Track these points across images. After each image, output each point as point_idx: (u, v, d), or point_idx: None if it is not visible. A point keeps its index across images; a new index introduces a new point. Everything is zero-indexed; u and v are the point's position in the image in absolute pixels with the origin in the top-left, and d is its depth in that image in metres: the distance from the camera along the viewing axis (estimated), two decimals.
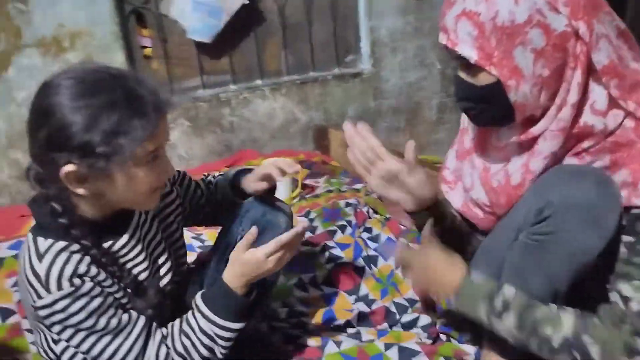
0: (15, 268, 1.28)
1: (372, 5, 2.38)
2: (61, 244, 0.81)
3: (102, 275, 0.84)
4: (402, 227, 1.64)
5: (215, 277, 1.02)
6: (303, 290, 1.37)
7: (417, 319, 1.29)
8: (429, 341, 1.21)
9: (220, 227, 1.18)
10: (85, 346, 0.83)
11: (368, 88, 2.48)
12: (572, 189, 0.86)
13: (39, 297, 0.79)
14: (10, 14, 1.85)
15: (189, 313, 0.92)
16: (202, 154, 2.24)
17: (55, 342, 0.84)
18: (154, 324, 0.89)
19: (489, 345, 1.05)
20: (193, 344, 0.90)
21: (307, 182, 1.97)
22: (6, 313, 1.22)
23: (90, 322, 0.81)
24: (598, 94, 0.89)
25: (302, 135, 2.39)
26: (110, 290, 0.84)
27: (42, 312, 0.79)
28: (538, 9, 0.83)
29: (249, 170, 1.14)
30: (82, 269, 0.81)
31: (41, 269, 0.79)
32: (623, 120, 0.90)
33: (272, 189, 1.12)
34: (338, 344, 1.18)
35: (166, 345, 0.89)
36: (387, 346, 1.16)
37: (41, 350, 0.88)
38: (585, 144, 0.91)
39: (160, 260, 0.96)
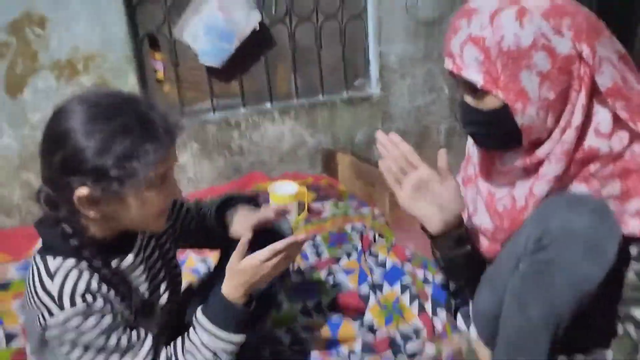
0: (22, 290, 1.29)
1: (382, 31, 2.41)
2: (71, 261, 0.82)
3: (112, 294, 0.85)
4: (408, 252, 1.63)
5: None
6: (307, 316, 1.37)
7: (422, 348, 1.28)
8: None
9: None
10: None
11: (377, 112, 2.49)
12: (570, 217, 0.86)
13: (51, 314, 0.79)
14: (28, 38, 1.90)
15: (190, 330, 0.93)
16: (211, 176, 2.25)
17: None
18: (160, 343, 0.90)
19: None
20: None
21: (314, 205, 1.98)
22: (11, 337, 1.23)
23: (101, 340, 0.81)
24: (602, 117, 0.90)
25: (311, 159, 2.41)
26: (120, 308, 0.86)
27: (54, 331, 0.80)
28: (543, 32, 0.84)
29: (239, 200, 1.13)
30: (94, 286, 0.82)
31: (53, 287, 0.80)
32: (630, 144, 0.90)
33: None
34: None
35: None
36: None
37: None
38: (592, 168, 0.91)
39: (159, 279, 0.98)
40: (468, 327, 1.29)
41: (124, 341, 0.83)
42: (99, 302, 0.81)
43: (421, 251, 1.62)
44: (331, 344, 1.27)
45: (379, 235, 1.74)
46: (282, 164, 2.36)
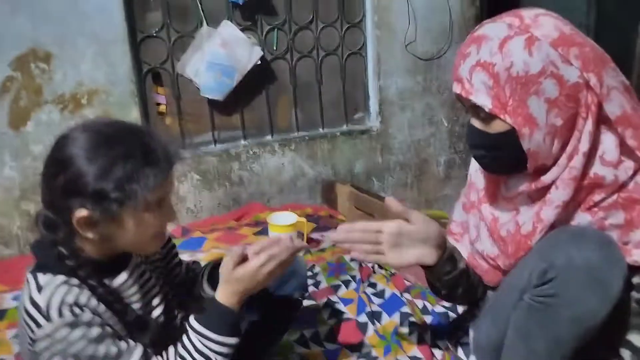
0: (17, 319, 1.28)
1: (381, 66, 2.46)
2: (61, 277, 0.84)
3: (103, 308, 0.85)
4: (407, 282, 1.62)
5: None
6: (304, 347, 1.34)
7: None
8: None
9: None
10: None
11: (376, 144, 2.51)
12: (575, 251, 0.86)
13: (39, 326, 0.80)
14: (33, 72, 1.95)
15: (184, 336, 0.93)
16: (210, 206, 2.26)
17: None
18: (149, 352, 0.89)
19: None
20: None
21: (313, 236, 1.97)
22: None
23: (90, 351, 0.81)
24: (608, 145, 0.90)
25: (310, 190, 2.41)
26: (111, 322, 0.86)
27: (43, 344, 0.80)
28: (551, 60, 0.86)
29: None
30: (82, 300, 0.83)
31: (42, 299, 0.81)
32: (635, 175, 0.90)
33: None
34: None
35: None
36: None
37: None
38: (596, 196, 0.91)
39: (152, 295, 0.98)
40: (468, 358, 1.26)
41: (112, 350, 0.83)
42: (87, 314, 0.82)
43: (420, 282, 1.61)
44: None
45: (379, 266, 1.73)
46: (281, 194, 2.37)
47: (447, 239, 1.06)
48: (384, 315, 1.46)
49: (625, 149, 0.90)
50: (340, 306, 1.51)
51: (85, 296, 0.84)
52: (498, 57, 0.87)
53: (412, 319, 1.43)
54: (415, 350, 1.33)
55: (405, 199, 2.56)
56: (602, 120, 0.89)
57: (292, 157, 2.37)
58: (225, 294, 0.93)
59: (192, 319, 0.93)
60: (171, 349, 0.92)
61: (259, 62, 2.20)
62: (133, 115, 2.08)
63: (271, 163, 2.33)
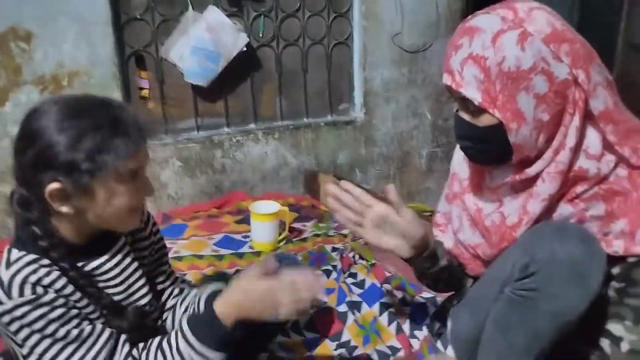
0: None
1: (367, 57, 2.45)
2: (32, 256, 0.84)
3: (75, 294, 0.85)
4: (387, 273, 1.63)
5: None
6: (284, 335, 1.35)
7: None
8: None
9: None
10: (48, 356, 0.83)
11: (360, 136, 2.52)
12: (557, 246, 0.88)
13: (0, 303, 0.81)
14: (13, 52, 1.90)
15: (172, 332, 0.92)
16: (192, 193, 2.24)
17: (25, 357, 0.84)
18: (122, 339, 0.89)
19: None
20: None
21: (295, 225, 1.97)
22: None
23: (50, 330, 0.81)
24: (592, 139, 0.92)
25: (293, 179, 2.41)
26: (84, 309, 0.86)
27: (4, 319, 0.81)
28: (543, 57, 0.86)
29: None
30: (46, 280, 0.82)
31: (6, 275, 0.82)
32: (615, 168, 0.92)
33: None
34: None
35: (134, 359, 0.88)
36: None
37: None
38: (579, 188, 0.93)
39: (135, 287, 0.97)
40: (445, 349, 1.28)
41: (74, 333, 0.83)
42: (50, 295, 0.82)
43: (401, 273, 1.63)
44: None
45: (359, 256, 1.74)
46: (264, 183, 2.36)
47: (429, 242, 1.06)
48: (364, 305, 1.47)
49: (606, 143, 0.92)
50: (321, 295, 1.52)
51: (52, 277, 0.83)
52: (490, 51, 0.87)
53: (391, 309, 1.45)
54: (393, 340, 1.35)
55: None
56: (587, 115, 0.91)
57: (276, 145, 2.36)
58: (226, 302, 0.90)
59: (184, 318, 0.92)
60: (156, 339, 0.91)
61: (245, 49, 2.18)
62: (114, 98, 2.04)
63: (254, 151, 2.32)
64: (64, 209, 0.83)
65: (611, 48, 2.76)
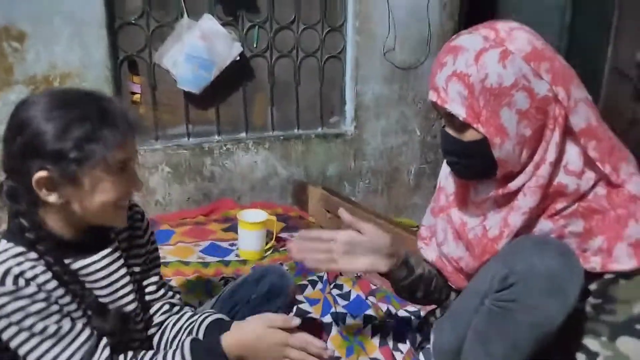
0: None
1: (359, 72, 2.48)
2: (19, 249, 0.84)
3: (58, 290, 0.85)
4: (372, 285, 1.63)
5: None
6: None
7: None
8: None
9: None
10: (23, 350, 0.82)
11: (349, 149, 2.53)
12: (535, 259, 0.89)
13: None
14: (5, 51, 1.89)
15: (171, 350, 0.92)
16: (180, 200, 2.23)
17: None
18: (103, 342, 0.88)
19: None
20: None
21: (282, 235, 1.97)
22: None
23: (28, 323, 0.81)
24: (572, 155, 0.94)
25: (282, 190, 2.41)
26: (67, 307, 0.86)
27: None
28: (523, 74, 0.89)
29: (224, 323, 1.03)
30: (29, 273, 0.82)
31: None
32: (595, 185, 0.94)
33: None
34: None
35: None
36: None
37: None
38: (559, 205, 0.95)
39: (123, 292, 0.96)
40: None
41: (52, 328, 0.83)
42: (31, 288, 0.82)
43: (386, 286, 1.63)
44: None
45: None
46: (252, 192, 2.36)
47: (400, 248, 1.10)
48: (348, 317, 1.47)
49: (587, 160, 0.94)
50: (306, 306, 1.51)
51: (35, 271, 0.83)
52: (473, 68, 0.89)
53: (375, 321, 1.45)
54: (377, 353, 1.35)
55: (375, 205, 2.59)
56: (567, 131, 0.93)
57: (266, 155, 2.36)
58: (236, 340, 0.91)
59: (187, 341, 0.93)
60: (147, 354, 0.91)
61: (238, 58, 2.19)
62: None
63: (244, 160, 2.32)
64: (52, 198, 0.83)
65: (598, 73, 2.82)
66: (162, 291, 1.08)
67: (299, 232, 1.10)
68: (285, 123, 2.46)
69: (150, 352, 0.92)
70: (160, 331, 1.05)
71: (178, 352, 0.91)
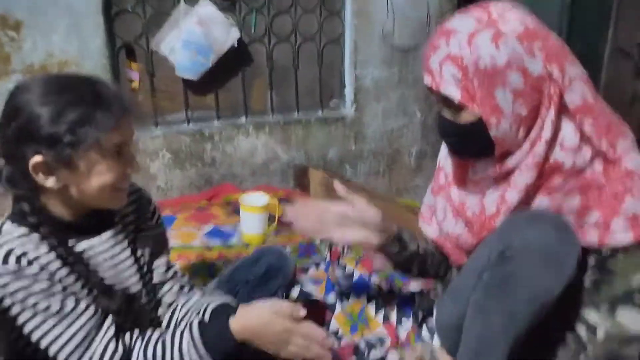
0: None
1: (358, 55, 2.47)
2: (23, 230, 0.84)
3: (61, 271, 0.85)
4: (375, 265, 1.64)
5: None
6: None
7: (385, 356, 1.27)
8: None
9: None
10: (29, 326, 0.83)
11: (350, 132, 2.53)
12: (532, 232, 0.90)
13: None
14: (1, 40, 1.89)
15: (176, 330, 0.93)
16: (181, 186, 2.24)
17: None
18: (108, 321, 0.89)
19: None
20: (164, 357, 0.90)
21: (284, 218, 1.97)
22: None
23: (31, 302, 0.82)
24: (568, 132, 0.94)
25: (282, 174, 2.42)
26: (72, 287, 0.86)
27: None
28: (517, 54, 0.89)
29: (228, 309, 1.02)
30: (32, 254, 0.83)
31: None
32: (591, 162, 0.94)
33: None
34: None
35: (121, 344, 0.89)
36: None
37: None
38: (555, 181, 0.95)
39: (127, 273, 0.97)
40: (432, 338, 1.29)
41: (55, 307, 0.83)
42: (34, 268, 0.82)
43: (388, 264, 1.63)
44: None
45: (348, 248, 1.75)
46: (253, 177, 2.36)
47: (392, 225, 1.13)
48: (352, 296, 1.48)
49: (583, 137, 0.94)
50: (310, 286, 1.52)
51: (39, 251, 0.84)
52: (467, 50, 0.89)
53: (378, 300, 1.46)
54: (381, 330, 1.36)
55: (377, 187, 2.59)
56: (563, 109, 0.93)
57: (266, 140, 2.36)
58: (244, 325, 0.92)
59: (196, 321, 0.94)
60: (155, 333, 0.92)
61: (236, 44, 2.18)
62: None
63: (244, 145, 2.32)
64: (49, 182, 0.84)
65: (599, 53, 2.80)
66: (171, 272, 1.08)
67: (298, 200, 1.14)
68: (285, 107, 2.46)
69: (158, 331, 0.93)
70: (170, 312, 1.06)
71: (187, 332, 0.91)
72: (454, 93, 0.92)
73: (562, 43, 0.94)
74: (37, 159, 0.81)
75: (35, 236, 0.84)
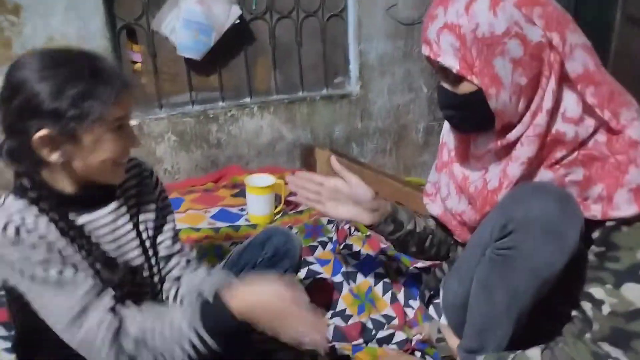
0: None
1: (361, 30, 2.42)
2: (24, 203, 0.86)
3: (60, 242, 0.87)
4: (382, 244, 1.64)
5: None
6: None
7: (392, 335, 1.28)
8: None
9: None
10: (29, 295, 0.86)
11: (355, 109, 2.50)
12: (533, 205, 0.89)
13: None
14: (2, 25, 1.87)
15: (175, 307, 0.95)
16: (188, 168, 2.24)
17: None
18: (109, 293, 0.90)
19: None
20: (162, 332, 0.89)
21: (291, 198, 1.97)
22: None
23: (29, 272, 0.83)
24: (570, 102, 0.92)
25: (289, 154, 2.41)
26: (73, 258, 0.88)
27: None
28: (515, 21, 0.86)
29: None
30: (31, 225, 0.85)
31: None
32: (594, 132, 0.92)
33: None
34: (313, 357, 1.17)
35: (118, 317, 0.88)
36: None
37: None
38: (558, 153, 0.93)
39: (129, 247, 0.98)
40: (439, 317, 1.30)
41: (53, 277, 0.84)
42: (32, 238, 0.84)
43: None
44: None
45: (355, 228, 1.75)
46: (259, 158, 2.35)
47: (385, 204, 1.16)
48: (359, 276, 1.49)
49: (586, 107, 0.91)
50: (317, 267, 1.53)
51: (38, 223, 0.85)
52: (464, 19, 0.88)
53: (386, 279, 1.46)
54: (388, 309, 1.37)
55: (384, 165, 2.57)
56: (564, 78, 0.91)
57: (271, 120, 2.34)
58: (245, 298, 0.90)
59: (198, 300, 0.94)
60: (153, 307, 0.93)
61: (238, 22, 2.15)
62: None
63: (249, 126, 2.31)
64: (53, 157, 0.85)
65: (609, 22, 2.73)
66: (178, 245, 1.09)
67: (297, 173, 1.20)
68: (289, 86, 2.43)
69: (158, 307, 0.93)
70: (175, 286, 1.07)
71: (188, 311, 0.91)
72: (452, 63, 0.90)
73: (564, 10, 0.92)
74: (41, 133, 0.82)
75: (35, 209, 0.86)
